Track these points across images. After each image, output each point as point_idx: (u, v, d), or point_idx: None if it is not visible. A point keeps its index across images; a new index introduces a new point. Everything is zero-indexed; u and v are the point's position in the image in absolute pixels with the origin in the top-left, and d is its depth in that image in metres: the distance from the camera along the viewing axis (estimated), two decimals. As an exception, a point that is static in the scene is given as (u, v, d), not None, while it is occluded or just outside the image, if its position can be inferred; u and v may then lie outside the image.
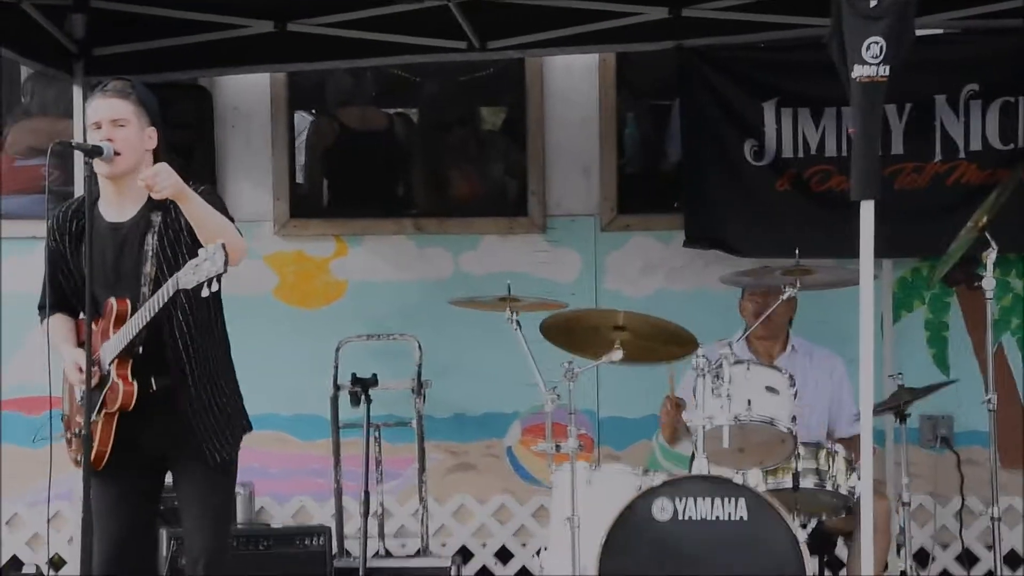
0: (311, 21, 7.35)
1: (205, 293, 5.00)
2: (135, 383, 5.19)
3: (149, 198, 5.27)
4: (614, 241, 7.91)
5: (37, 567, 7.64)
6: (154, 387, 5.21)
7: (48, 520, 7.08)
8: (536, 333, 6.56)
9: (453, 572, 7.23)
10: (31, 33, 7.15)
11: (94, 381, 5.20)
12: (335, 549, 7.16)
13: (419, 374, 7.45)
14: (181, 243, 5.23)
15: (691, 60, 7.62)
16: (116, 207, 5.32)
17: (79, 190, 5.93)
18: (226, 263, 4.94)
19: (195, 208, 5.10)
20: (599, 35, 7.42)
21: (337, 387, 7.40)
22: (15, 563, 7.89)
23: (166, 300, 5.09)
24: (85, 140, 5.32)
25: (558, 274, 7.84)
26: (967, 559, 7.37)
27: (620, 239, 7.91)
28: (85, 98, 7.37)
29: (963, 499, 7.19)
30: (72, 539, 7.47)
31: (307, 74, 8.12)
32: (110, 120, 5.26)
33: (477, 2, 7.10)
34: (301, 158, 8.34)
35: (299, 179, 8.27)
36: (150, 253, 5.24)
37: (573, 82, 7.98)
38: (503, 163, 8.32)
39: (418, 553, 7.43)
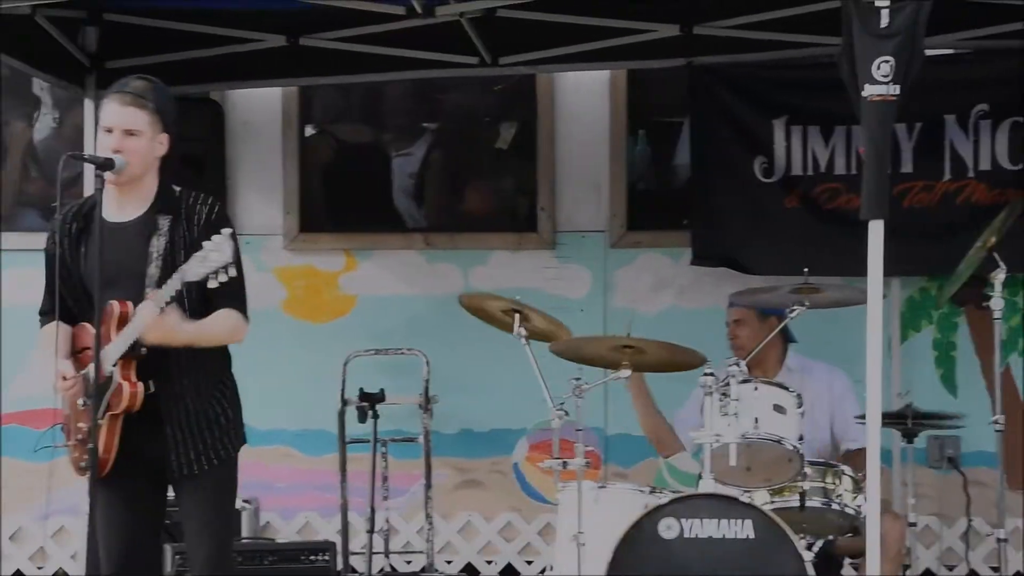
0: (323, 36, 7.38)
1: (213, 284, 4.97)
2: (140, 384, 5.13)
3: (156, 199, 5.23)
4: (623, 258, 7.92)
5: (41, 581, 7.62)
6: (152, 389, 5.16)
7: (50, 535, 7.11)
8: (545, 347, 6.57)
9: (459, 589, 7.26)
10: (43, 45, 7.17)
11: (93, 385, 5.10)
12: (340, 565, 7.16)
13: (426, 389, 7.44)
14: (190, 248, 5.12)
15: (702, 77, 7.66)
16: (117, 207, 5.23)
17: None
18: (235, 252, 4.94)
19: (191, 338, 5.08)
20: (610, 52, 7.46)
21: (344, 402, 7.38)
22: (19, 577, 7.89)
23: (172, 295, 5.02)
24: (99, 152, 5.29)
25: (568, 290, 7.86)
26: (974, 582, 7.37)
27: (629, 256, 7.92)
28: (96, 111, 7.43)
29: (969, 520, 7.16)
30: (76, 554, 7.47)
31: (319, 89, 8.14)
32: (123, 129, 5.17)
33: (489, 18, 7.11)
34: (312, 172, 8.34)
35: (310, 193, 8.26)
36: (155, 255, 5.17)
37: (584, 99, 8.01)
38: (513, 179, 8.32)
39: (423, 570, 7.42)
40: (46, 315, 5.35)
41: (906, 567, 6.63)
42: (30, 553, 7.93)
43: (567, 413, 6.41)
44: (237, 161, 8.02)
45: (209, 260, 4.95)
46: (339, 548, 7.20)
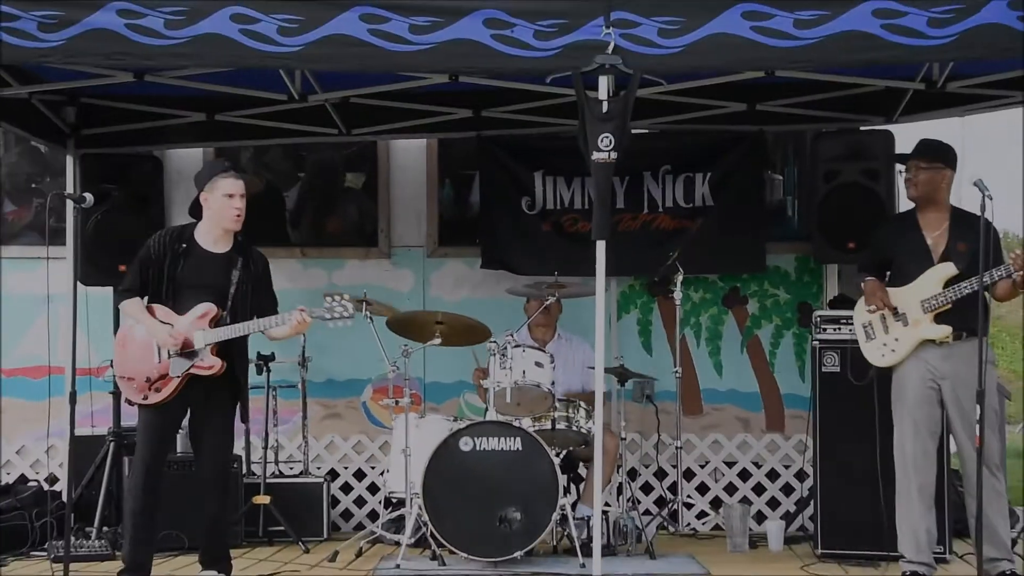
0: (231, 113, 7.28)
1: (331, 326, 5.47)
2: (224, 362, 5.46)
3: (235, 243, 5.57)
4: (436, 264, 7.88)
5: (38, 482, 7.35)
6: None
7: (45, 451, 6.86)
8: (384, 326, 6.56)
9: (325, 487, 7.18)
10: (36, 118, 7.02)
11: (177, 350, 5.38)
12: (244, 471, 7.07)
13: (303, 352, 7.39)
14: (255, 282, 5.57)
15: (487, 144, 7.64)
16: (212, 242, 5.54)
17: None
18: (353, 314, 5.44)
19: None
20: (426, 127, 7.47)
21: (247, 361, 7.27)
22: (22, 479, 7.59)
23: (290, 323, 5.44)
24: (76, 191, 5.34)
25: (399, 286, 7.81)
26: (660, 475, 7.49)
27: (440, 263, 7.88)
28: (75, 164, 7.24)
29: (659, 435, 7.31)
30: (62, 463, 7.24)
31: (229, 149, 7.96)
32: (241, 195, 5.57)
33: (345, 103, 7.09)
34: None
35: (222, 220, 8.11)
36: (235, 279, 5.49)
37: (410, 157, 7.96)
38: (362, 210, 8.24)
39: (301, 474, 7.36)
40: (130, 292, 5.52)
41: (618, 466, 6.78)
42: (30, 463, 7.66)
43: (399, 368, 6.44)
44: (173, 200, 7.78)
45: (333, 311, 5.44)
46: (244, 459, 7.12)
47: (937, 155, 5.71)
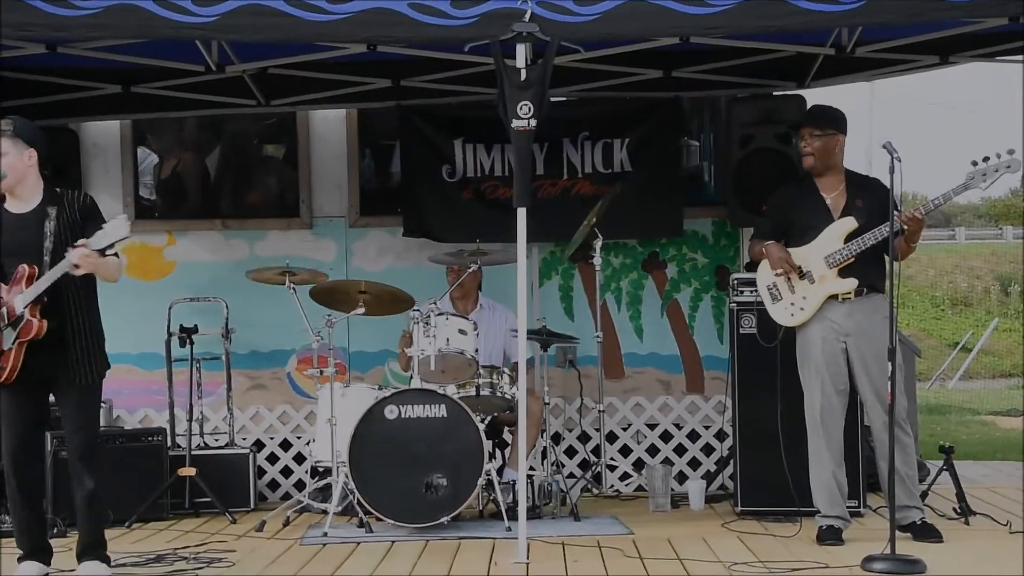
0: (148, 85, 7.14)
1: (110, 252, 4.95)
2: (44, 320, 5.04)
3: (44, 196, 5.14)
4: (358, 234, 7.81)
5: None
6: (55, 324, 5.06)
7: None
8: (307, 296, 6.50)
9: (251, 457, 7.13)
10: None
11: (6, 321, 5.03)
12: (169, 443, 6.99)
13: (227, 324, 7.32)
14: (74, 226, 5.10)
15: (407, 114, 7.57)
16: (17, 203, 5.16)
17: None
18: (129, 230, 4.93)
19: (105, 269, 5.06)
20: (346, 97, 7.38)
21: (169, 333, 7.20)
22: None
23: (69, 263, 4.96)
24: None
25: (321, 256, 7.72)
26: (584, 439, 7.53)
27: (362, 233, 7.81)
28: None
29: (581, 400, 7.34)
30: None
31: (147, 120, 7.80)
32: None
33: (263, 73, 6.98)
34: (145, 178, 8.02)
35: (141, 192, 7.95)
36: (49, 232, 5.07)
37: (329, 128, 7.86)
38: (283, 181, 8.13)
39: (227, 445, 7.29)
40: None
41: (542, 431, 6.81)
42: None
43: (323, 338, 6.40)
44: (89, 171, 7.66)
45: (108, 235, 4.92)
46: (168, 432, 7.04)
47: (829, 121, 5.81)
